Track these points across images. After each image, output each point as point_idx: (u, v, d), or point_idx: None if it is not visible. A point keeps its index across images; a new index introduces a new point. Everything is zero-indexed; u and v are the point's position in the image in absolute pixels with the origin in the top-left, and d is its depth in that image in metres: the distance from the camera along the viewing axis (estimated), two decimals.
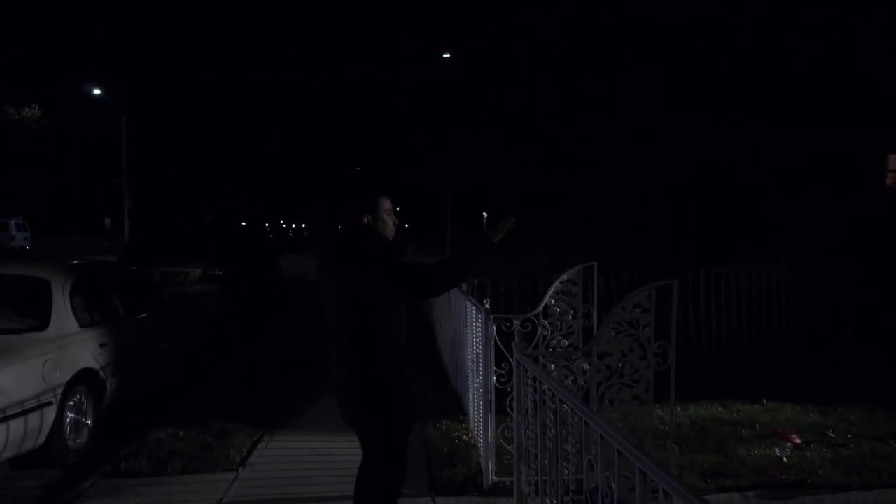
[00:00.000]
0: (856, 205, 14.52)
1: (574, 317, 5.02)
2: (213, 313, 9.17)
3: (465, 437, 5.29)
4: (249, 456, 5.02)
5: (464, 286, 7.82)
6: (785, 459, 4.49)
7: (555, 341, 4.84)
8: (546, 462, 3.13)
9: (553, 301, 5.06)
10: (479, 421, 4.81)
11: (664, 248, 13.62)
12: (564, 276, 5.13)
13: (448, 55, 28.11)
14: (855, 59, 15.72)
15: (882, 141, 15.70)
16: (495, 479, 4.38)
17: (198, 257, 11.40)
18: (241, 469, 4.75)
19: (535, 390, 3.26)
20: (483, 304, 4.87)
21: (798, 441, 4.59)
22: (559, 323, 5.03)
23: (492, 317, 4.58)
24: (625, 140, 18.45)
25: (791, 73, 15.82)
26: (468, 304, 5.38)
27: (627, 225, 15.49)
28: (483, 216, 29.98)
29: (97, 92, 31.49)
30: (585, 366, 4.01)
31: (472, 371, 5.23)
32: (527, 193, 23.32)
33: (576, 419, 2.81)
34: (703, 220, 15.40)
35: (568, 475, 3.45)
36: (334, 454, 4.89)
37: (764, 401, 6.00)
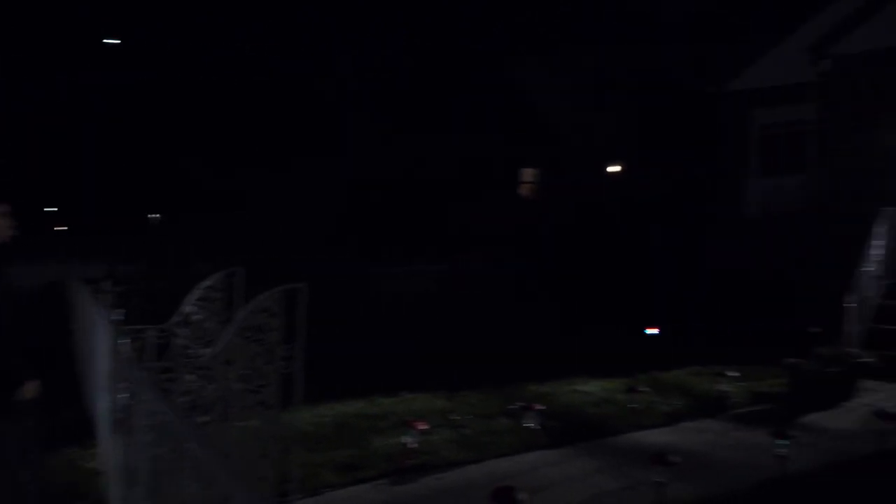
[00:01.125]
0: (500, 211, 16.67)
1: (220, 324, 4.88)
2: None
3: (92, 463, 4.76)
4: None
5: (108, 294, 7.09)
6: (415, 445, 4.89)
7: (192, 350, 4.63)
8: (161, 482, 2.95)
9: (196, 308, 4.85)
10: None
11: (329, 250, 14.07)
12: (207, 283, 4.96)
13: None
14: (499, 83, 18.10)
15: (518, 155, 18.30)
16: None
17: None
18: None
19: (149, 407, 3.05)
20: (111, 314, 4.45)
21: (425, 427, 5.04)
22: (201, 331, 4.85)
23: (122, 328, 4.20)
24: (307, 142, 18.66)
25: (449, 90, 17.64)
26: (97, 313, 4.88)
27: (299, 226, 15.71)
28: (150, 217, 27.81)
29: None
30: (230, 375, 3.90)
31: (104, 388, 4.74)
32: (206, 193, 22.27)
33: (182, 434, 2.69)
34: (372, 223, 16.27)
35: (186, 492, 3.30)
36: None
37: (404, 393, 6.48)
